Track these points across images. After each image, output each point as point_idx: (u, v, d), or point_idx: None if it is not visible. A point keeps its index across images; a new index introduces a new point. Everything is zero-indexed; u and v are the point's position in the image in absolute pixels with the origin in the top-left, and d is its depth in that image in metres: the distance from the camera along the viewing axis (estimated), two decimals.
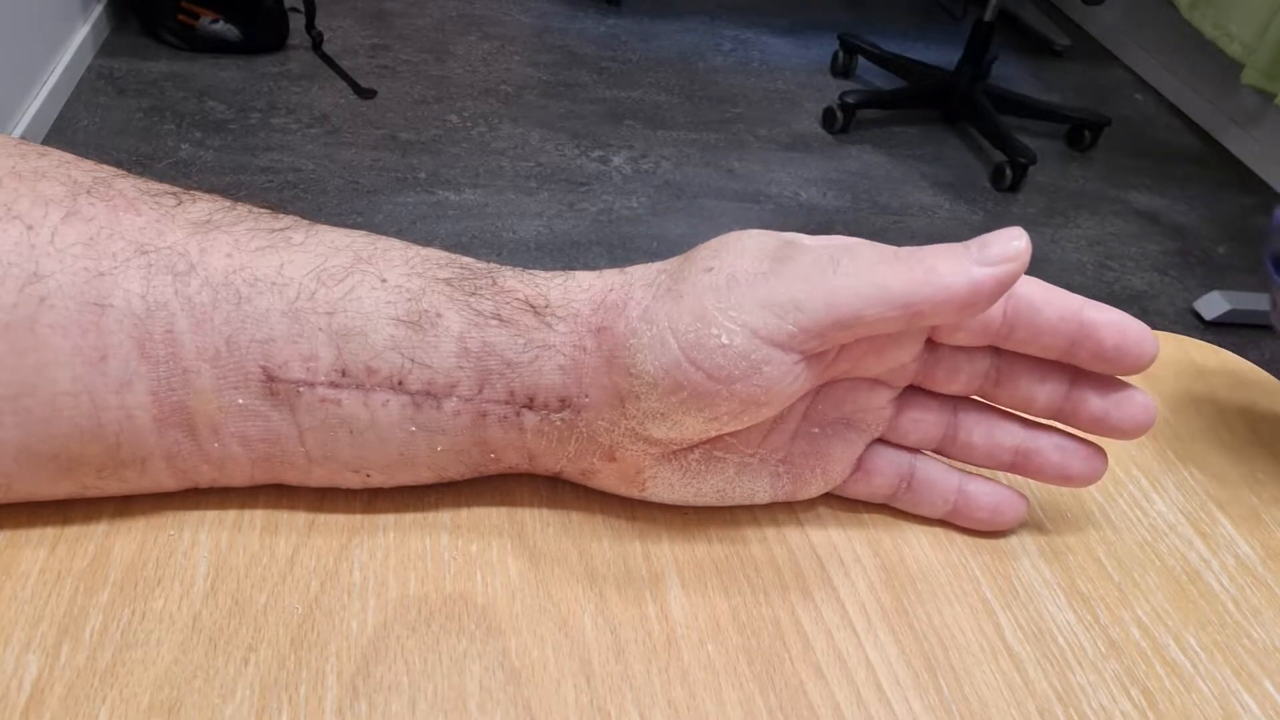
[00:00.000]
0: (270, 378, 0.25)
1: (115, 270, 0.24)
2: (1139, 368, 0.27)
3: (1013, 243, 0.24)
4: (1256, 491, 0.34)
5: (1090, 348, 0.27)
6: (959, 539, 0.30)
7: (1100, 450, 0.29)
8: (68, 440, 0.24)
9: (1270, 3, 1.98)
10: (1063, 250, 1.81)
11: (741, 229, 0.27)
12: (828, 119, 2.04)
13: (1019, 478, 0.32)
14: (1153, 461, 0.34)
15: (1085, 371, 0.28)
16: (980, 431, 0.29)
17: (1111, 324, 0.26)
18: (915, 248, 0.25)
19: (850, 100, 2.01)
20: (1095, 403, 0.28)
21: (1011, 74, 2.44)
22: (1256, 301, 1.69)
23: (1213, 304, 1.69)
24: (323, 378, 0.25)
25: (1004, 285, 0.24)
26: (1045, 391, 0.28)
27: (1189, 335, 0.66)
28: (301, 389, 0.25)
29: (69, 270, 0.23)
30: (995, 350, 0.28)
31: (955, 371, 0.28)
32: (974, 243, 0.25)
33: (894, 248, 0.25)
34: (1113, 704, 0.26)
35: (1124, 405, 0.28)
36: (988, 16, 2.00)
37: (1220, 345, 0.41)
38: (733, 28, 2.43)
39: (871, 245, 0.25)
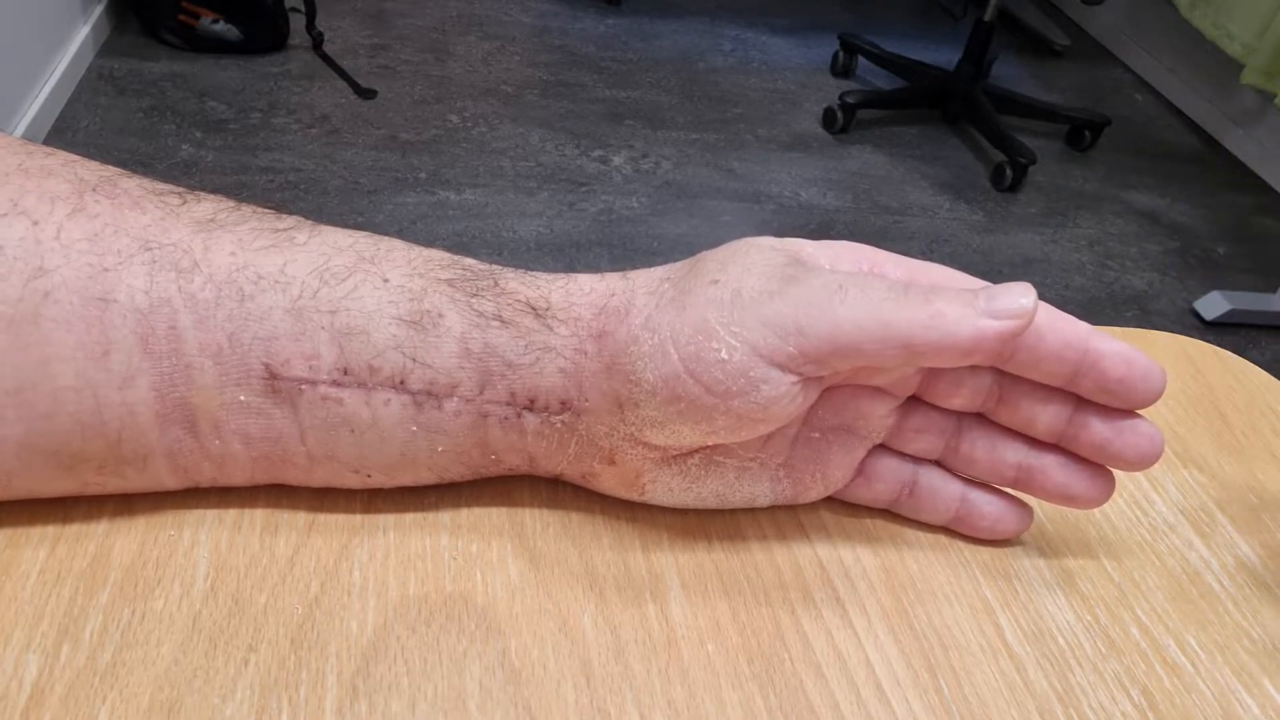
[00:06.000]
0: (272, 375, 0.25)
1: (119, 266, 0.24)
2: (1144, 402, 0.26)
3: (1020, 299, 0.24)
4: (1256, 491, 0.34)
5: (1094, 378, 0.26)
6: (959, 540, 0.30)
7: (1107, 473, 0.28)
8: (69, 436, 0.24)
9: (1270, 3, 1.98)
10: (1063, 250, 1.81)
11: (742, 229, 0.27)
12: (828, 119, 2.04)
13: None
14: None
15: None
16: (983, 445, 0.29)
17: (1117, 355, 0.26)
18: (925, 287, 0.25)
19: (850, 100, 2.01)
20: (1098, 429, 0.27)
21: (1011, 74, 2.44)
22: (1256, 301, 1.69)
23: (1213, 304, 1.69)
24: (325, 376, 0.25)
25: (1006, 340, 0.24)
26: (1048, 414, 0.27)
27: (1189, 335, 0.66)
28: (303, 387, 0.25)
29: (73, 265, 0.23)
30: (999, 369, 0.28)
31: (957, 385, 0.28)
32: (984, 292, 0.25)
33: (904, 283, 0.25)
34: (1113, 704, 0.26)
35: (1127, 434, 0.27)
36: (988, 16, 2.00)
37: (1220, 345, 0.41)
38: (733, 28, 2.43)
39: (882, 279, 0.25)
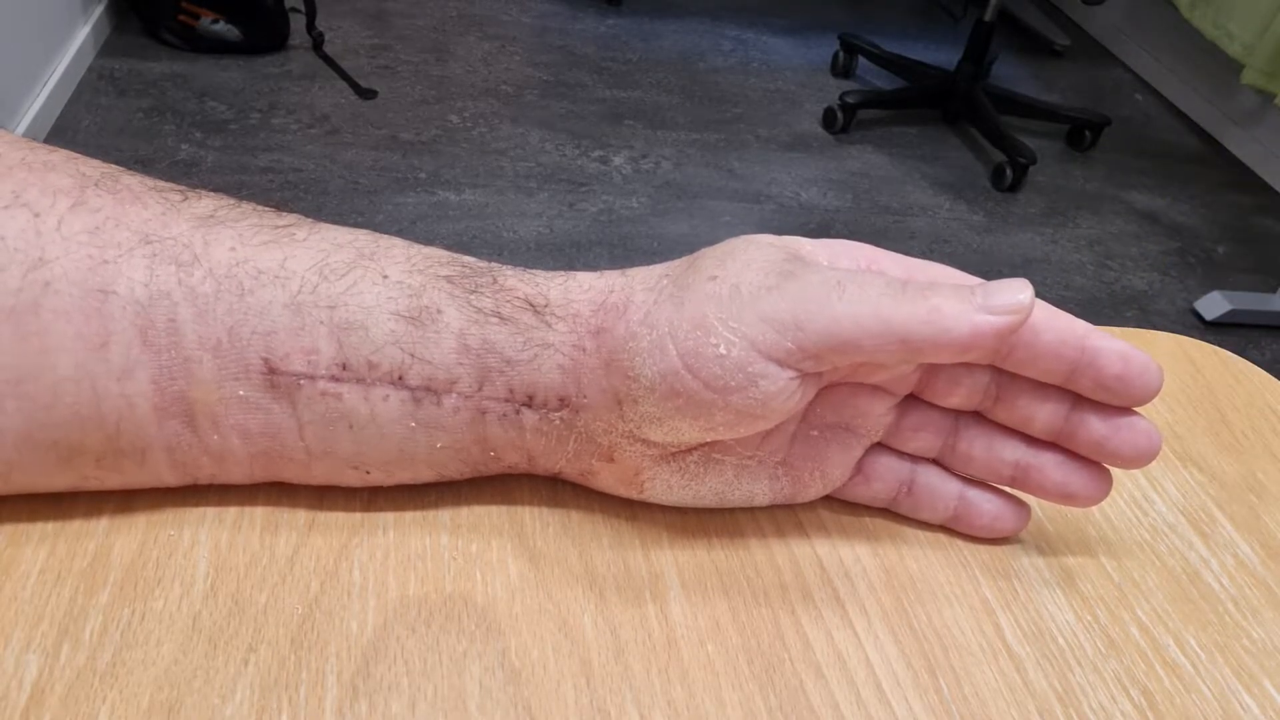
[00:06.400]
0: (271, 369, 0.25)
1: (120, 259, 0.24)
2: (1142, 400, 0.26)
3: (1018, 295, 0.24)
4: (1256, 491, 0.34)
5: (1091, 375, 0.26)
6: (959, 540, 0.30)
7: (1104, 470, 0.28)
8: (68, 428, 0.24)
9: (1270, 3, 1.98)
10: (1063, 250, 1.81)
11: (742, 229, 0.27)
12: (828, 119, 2.05)
13: None
14: (1153, 461, 0.34)
15: None
16: (980, 444, 0.29)
17: (1114, 352, 0.26)
18: (923, 283, 0.25)
19: (850, 100, 2.01)
20: (1095, 426, 0.27)
21: (1011, 74, 2.44)
22: (1256, 301, 1.69)
23: (1213, 304, 1.69)
24: (323, 371, 0.25)
25: (1003, 335, 0.24)
26: (1045, 412, 0.27)
27: (1189, 335, 0.66)
28: (302, 382, 0.25)
29: (74, 257, 0.23)
30: (997, 367, 0.28)
31: (954, 384, 0.28)
32: (980, 288, 0.25)
33: (903, 280, 0.25)
34: (1113, 704, 0.26)
35: (1124, 431, 0.27)
36: (988, 16, 2.00)
37: (1220, 345, 0.41)
38: (733, 28, 2.43)
39: (880, 275, 0.25)
